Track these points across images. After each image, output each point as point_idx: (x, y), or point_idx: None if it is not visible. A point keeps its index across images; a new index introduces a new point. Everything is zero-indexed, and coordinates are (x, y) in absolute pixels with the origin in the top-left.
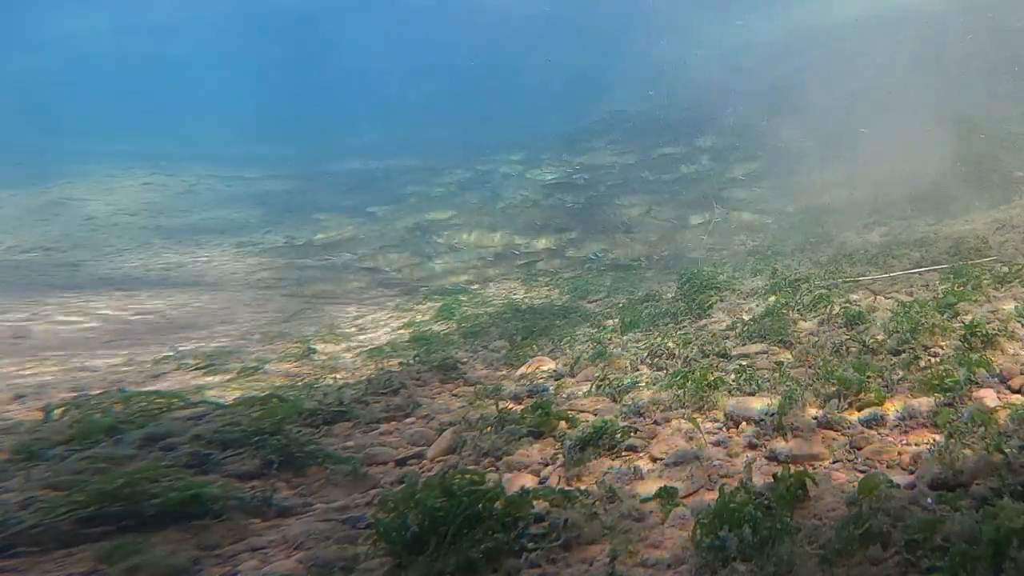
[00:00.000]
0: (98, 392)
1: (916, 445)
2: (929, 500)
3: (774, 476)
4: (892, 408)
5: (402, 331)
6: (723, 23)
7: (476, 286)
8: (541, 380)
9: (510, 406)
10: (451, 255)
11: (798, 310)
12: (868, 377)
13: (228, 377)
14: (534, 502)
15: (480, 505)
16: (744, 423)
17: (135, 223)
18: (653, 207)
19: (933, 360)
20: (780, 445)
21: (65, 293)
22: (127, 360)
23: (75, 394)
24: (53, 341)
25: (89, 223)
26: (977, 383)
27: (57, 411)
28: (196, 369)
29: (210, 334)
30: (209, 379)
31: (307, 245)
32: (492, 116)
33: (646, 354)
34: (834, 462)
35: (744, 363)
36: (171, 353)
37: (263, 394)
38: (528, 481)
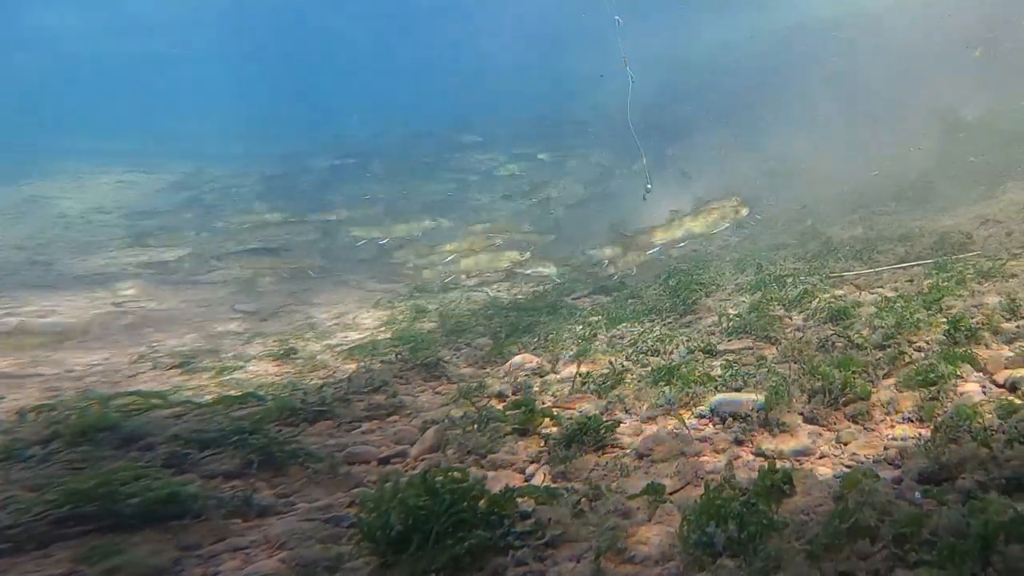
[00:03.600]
0: (74, 392)
1: (902, 440)
2: (916, 494)
3: (759, 471)
4: (878, 403)
5: (383, 328)
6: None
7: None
8: (525, 377)
9: (495, 404)
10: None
11: (784, 306)
12: (853, 372)
13: (206, 376)
14: (519, 500)
15: (464, 503)
16: (731, 419)
17: (109, 221)
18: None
19: (918, 355)
20: (766, 441)
21: (38, 292)
22: (103, 359)
23: (51, 394)
24: (27, 340)
25: (62, 221)
26: (962, 377)
27: (32, 412)
28: (173, 368)
29: (187, 332)
30: (186, 378)
31: (283, 243)
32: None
33: (632, 350)
34: (820, 457)
35: (730, 359)
36: (148, 352)
37: (242, 393)
38: (513, 479)
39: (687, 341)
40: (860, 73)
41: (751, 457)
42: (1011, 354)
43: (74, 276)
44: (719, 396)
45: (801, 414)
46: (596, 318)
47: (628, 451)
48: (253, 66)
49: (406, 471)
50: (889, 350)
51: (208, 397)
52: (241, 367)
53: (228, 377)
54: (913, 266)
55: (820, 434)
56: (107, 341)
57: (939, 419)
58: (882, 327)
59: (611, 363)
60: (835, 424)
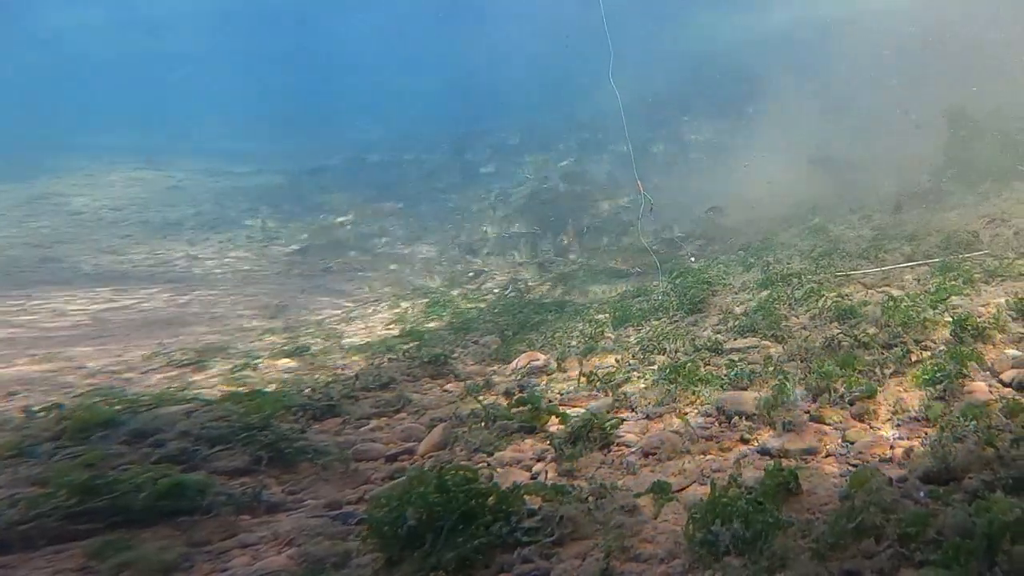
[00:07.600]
0: (85, 389)
1: (908, 439)
2: (922, 494)
3: (765, 471)
4: (884, 402)
5: (392, 326)
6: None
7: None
8: (532, 375)
9: (502, 401)
10: None
11: (790, 305)
12: (859, 371)
13: (217, 373)
14: (526, 498)
15: (473, 501)
16: (736, 417)
17: (121, 218)
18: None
19: (924, 354)
20: (772, 439)
21: (51, 289)
22: (115, 357)
23: (63, 391)
24: (40, 338)
25: (75, 219)
26: (968, 377)
27: (41, 409)
28: (184, 365)
29: (198, 330)
30: (197, 376)
31: (295, 241)
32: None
33: (638, 348)
34: (826, 456)
35: (736, 357)
36: (159, 349)
37: (251, 390)
38: (520, 477)
39: (693, 339)
40: (867, 71)
41: (757, 456)
42: (1018, 353)
43: (88, 274)
44: (725, 394)
45: (807, 413)
46: (602, 316)
47: (634, 449)
48: (263, 65)
49: (413, 468)
50: (896, 349)
51: (218, 393)
52: (255, 363)
53: (240, 374)
54: (920, 265)
55: (826, 433)
56: (121, 338)
57: (945, 418)
58: (888, 326)
59: (617, 361)
60: (841, 423)
